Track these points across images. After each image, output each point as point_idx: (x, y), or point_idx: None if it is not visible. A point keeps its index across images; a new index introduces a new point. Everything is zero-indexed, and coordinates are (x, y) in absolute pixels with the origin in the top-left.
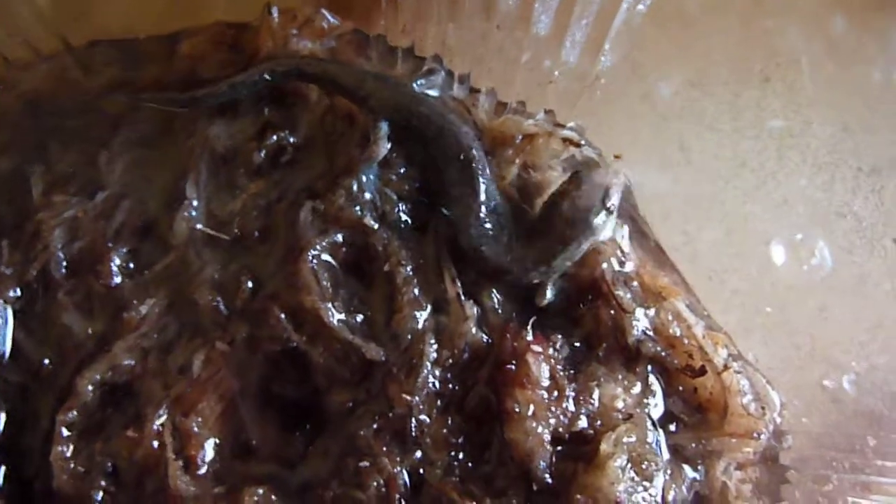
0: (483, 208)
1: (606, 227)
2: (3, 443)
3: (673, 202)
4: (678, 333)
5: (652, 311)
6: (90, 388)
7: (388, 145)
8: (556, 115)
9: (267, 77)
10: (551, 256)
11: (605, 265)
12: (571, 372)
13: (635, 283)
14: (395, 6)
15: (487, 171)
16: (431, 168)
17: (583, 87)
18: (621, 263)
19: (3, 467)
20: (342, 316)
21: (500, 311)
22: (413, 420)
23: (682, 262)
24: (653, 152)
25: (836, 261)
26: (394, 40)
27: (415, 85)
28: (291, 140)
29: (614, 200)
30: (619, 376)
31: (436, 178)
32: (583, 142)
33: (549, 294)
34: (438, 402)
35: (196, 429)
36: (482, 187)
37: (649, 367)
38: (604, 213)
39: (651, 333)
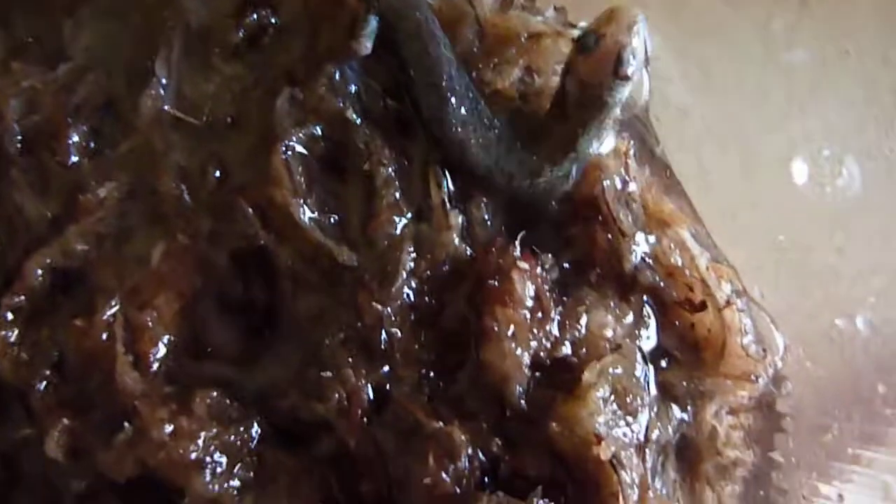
0: (459, 106)
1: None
2: None
3: (688, 126)
4: (680, 263)
5: (653, 238)
6: (39, 272)
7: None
8: (567, 13)
9: None
10: (565, 147)
11: (606, 182)
12: (559, 294)
13: (638, 206)
14: None
15: (453, 67)
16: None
17: None
18: (625, 182)
19: None
20: (314, 215)
21: (488, 223)
22: (382, 332)
23: (692, 190)
24: (671, 70)
25: (864, 182)
26: None
27: None
28: (273, 20)
29: (632, 62)
30: (611, 304)
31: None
32: None
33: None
34: (412, 316)
35: (150, 323)
36: (453, 82)
37: (645, 298)
38: (619, 79)
39: (650, 261)
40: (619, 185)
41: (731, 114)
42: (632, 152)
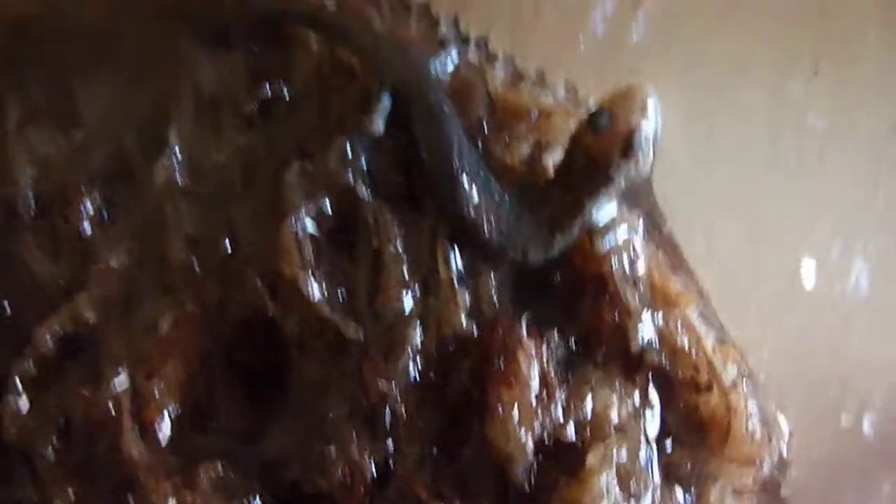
0: (470, 185)
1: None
2: None
3: (695, 193)
4: (686, 344)
5: (659, 317)
6: (49, 338)
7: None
8: (578, 88)
9: (277, 20)
10: (572, 214)
11: (614, 260)
12: (564, 372)
13: (645, 284)
14: None
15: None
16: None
17: (609, 59)
18: (633, 261)
19: None
20: (322, 289)
21: (495, 299)
22: (387, 408)
23: (698, 262)
24: (680, 136)
25: (873, 285)
26: None
27: (433, 66)
28: (286, 91)
29: (642, 143)
30: (617, 384)
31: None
32: None
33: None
34: (416, 392)
35: (157, 393)
36: (464, 161)
37: (650, 378)
38: (627, 159)
39: (656, 341)
40: (626, 264)
41: (739, 185)
42: (641, 229)
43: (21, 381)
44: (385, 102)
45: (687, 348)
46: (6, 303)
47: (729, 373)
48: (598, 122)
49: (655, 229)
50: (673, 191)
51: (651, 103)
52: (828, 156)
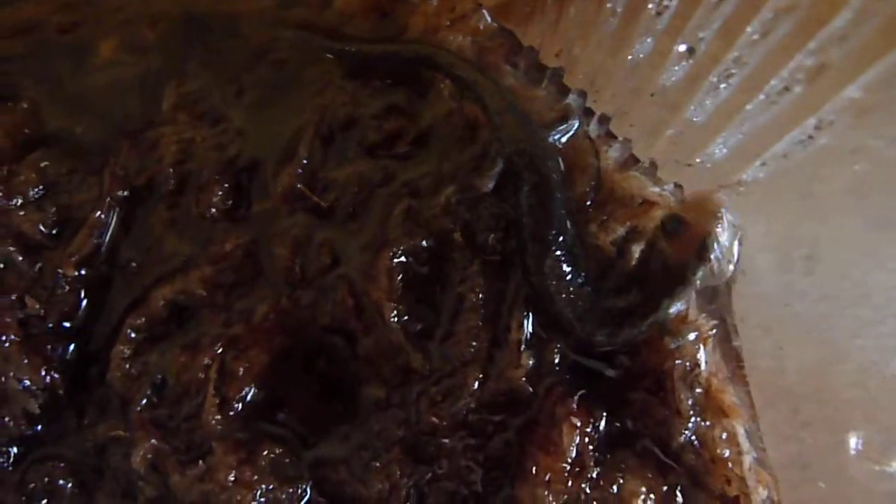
0: (559, 261)
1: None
2: (80, 324)
3: (774, 310)
4: (725, 455)
5: (706, 423)
6: (162, 302)
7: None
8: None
9: (418, 61)
10: (645, 313)
11: (678, 361)
12: (602, 454)
13: (701, 390)
14: (555, 24)
15: (568, 222)
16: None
17: (719, 184)
18: (695, 364)
19: (74, 345)
20: (403, 319)
21: (556, 368)
22: (434, 441)
23: (759, 380)
24: (775, 252)
25: None
26: (546, 58)
27: (552, 137)
28: (411, 129)
29: (716, 248)
30: (649, 475)
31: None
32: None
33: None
34: (464, 433)
35: (241, 372)
36: (559, 238)
37: (681, 478)
38: (702, 263)
39: (698, 444)
40: (688, 366)
41: (826, 310)
42: (712, 337)
43: (132, 332)
44: (499, 165)
45: (725, 459)
46: (133, 261)
47: (759, 494)
48: (672, 227)
49: (725, 338)
50: (754, 297)
51: (723, 210)
52: None
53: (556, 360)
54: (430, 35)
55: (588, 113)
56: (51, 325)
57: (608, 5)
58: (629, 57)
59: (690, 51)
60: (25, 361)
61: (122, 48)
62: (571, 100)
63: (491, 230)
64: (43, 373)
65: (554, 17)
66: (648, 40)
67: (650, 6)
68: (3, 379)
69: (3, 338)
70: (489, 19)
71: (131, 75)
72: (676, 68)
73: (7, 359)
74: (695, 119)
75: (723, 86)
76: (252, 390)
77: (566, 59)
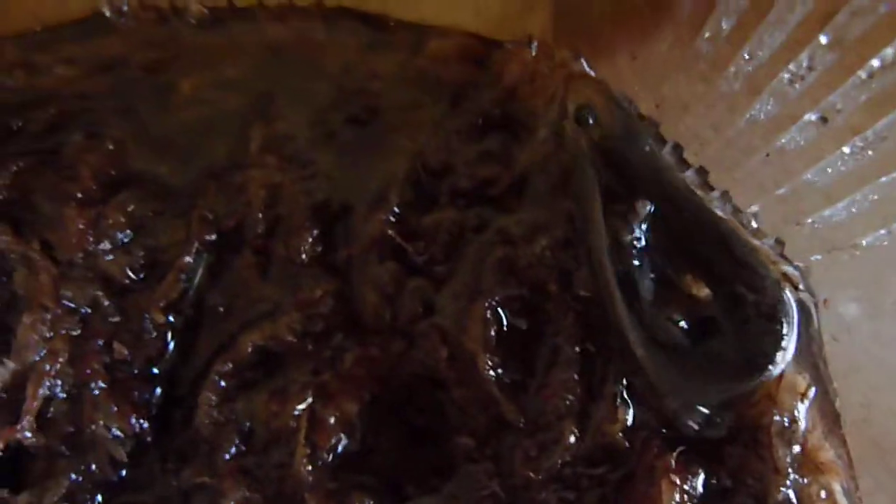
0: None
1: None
2: (166, 369)
3: (864, 359)
4: None
5: (804, 480)
6: (250, 348)
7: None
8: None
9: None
10: (705, 395)
11: (776, 417)
12: None
13: (799, 446)
14: (662, 79)
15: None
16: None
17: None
18: (793, 419)
19: (160, 389)
20: (496, 369)
21: (653, 424)
22: (528, 495)
23: (852, 432)
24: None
25: None
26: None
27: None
28: (505, 176)
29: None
30: None
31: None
32: None
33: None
34: (558, 488)
35: (332, 421)
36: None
37: None
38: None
39: (795, 502)
40: (786, 423)
41: None
42: (811, 395)
43: (219, 378)
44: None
45: None
46: (221, 305)
47: None
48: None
49: (821, 393)
50: (842, 350)
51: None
52: None
53: (652, 418)
54: (526, 83)
55: (682, 161)
56: (136, 370)
57: (731, 69)
58: (747, 116)
59: (823, 119)
60: (115, 409)
61: (204, 86)
62: (669, 151)
63: (589, 281)
64: (133, 420)
65: (660, 71)
66: (772, 103)
67: (784, 75)
68: (92, 427)
69: (92, 385)
70: (587, 68)
71: (214, 114)
72: (802, 134)
73: (96, 406)
74: (813, 182)
75: (856, 157)
76: (342, 439)
77: (669, 111)
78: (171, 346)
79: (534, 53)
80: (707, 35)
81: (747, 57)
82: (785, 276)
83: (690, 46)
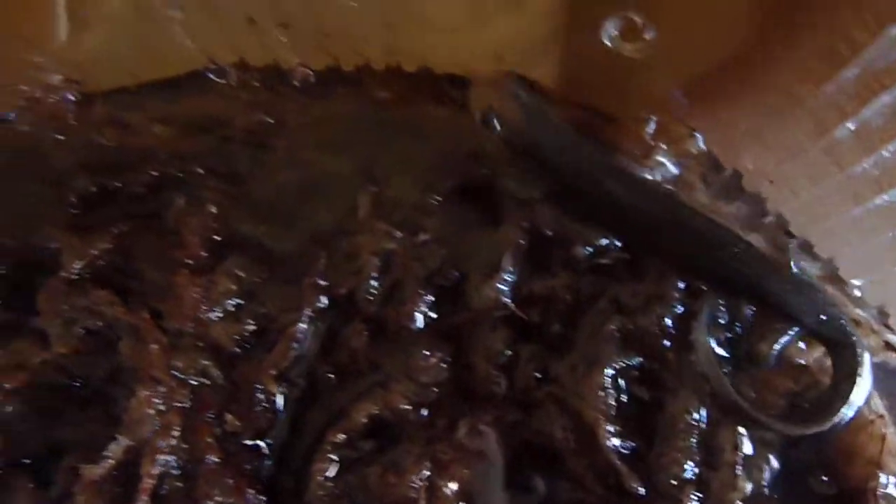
0: None
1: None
2: (276, 440)
3: None
4: None
5: None
6: (363, 419)
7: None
8: None
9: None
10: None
11: (882, 479)
12: None
13: None
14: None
15: None
16: None
17: None
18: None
19: (270, 462)
20: (616, 439)
21: (765, 488)
22: None
23: None
24: None
25: None
26: (750, 182)
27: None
28: (617, 245)
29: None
30: None
31: None
32: None
33: None
34: None
35: (449, 492)
36: None
37: None
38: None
39: None
40: (889, 486)
41: None
42: None
43: (332, 450)
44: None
45: None
46: (332, 374)
47: None
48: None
49: None
50: None
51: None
52: None
53: (766, 482)
54: (640, 158)
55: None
56: (247, 442)
57: (861, 167)
58: (873, 203)
59: None
60: (231, 482)
61: (304, 148)
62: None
63: (706, 352)
64: (248, 495)
65: (783, 154)
66: None
67: None
68: (207, 503)
69: (207, 459)
70: (701, 144)
71: (316, 176)
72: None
73: (210, 481)
74: None
75: None
76: None
77: (786, 187)
78: (282, 416)
79: (651, 128)
80: None
81: None
82: (887, 344)
83: None
